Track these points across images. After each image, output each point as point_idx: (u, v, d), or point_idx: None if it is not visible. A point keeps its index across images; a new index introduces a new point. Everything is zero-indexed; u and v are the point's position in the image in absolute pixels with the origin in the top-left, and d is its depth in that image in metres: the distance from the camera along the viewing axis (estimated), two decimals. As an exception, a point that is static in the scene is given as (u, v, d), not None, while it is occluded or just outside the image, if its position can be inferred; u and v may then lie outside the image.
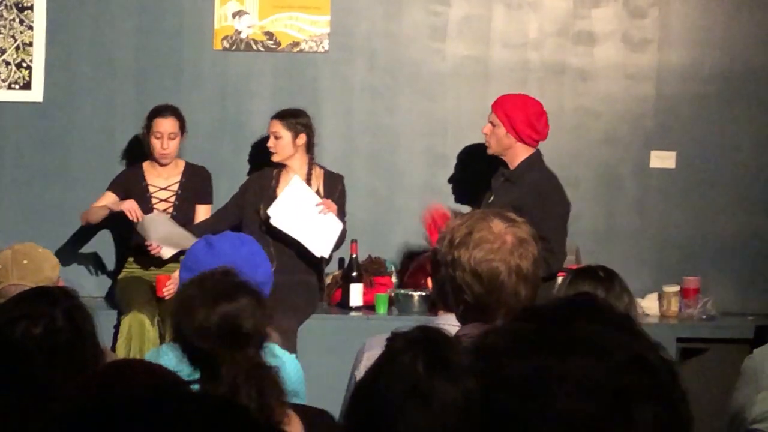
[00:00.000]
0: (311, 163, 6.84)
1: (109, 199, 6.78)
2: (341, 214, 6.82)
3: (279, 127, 6.75)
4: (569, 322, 1.32)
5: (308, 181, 6.81)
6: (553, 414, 1.26)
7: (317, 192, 6.80)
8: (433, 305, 5.88)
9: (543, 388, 1.27)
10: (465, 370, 2.22)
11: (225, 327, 2.95)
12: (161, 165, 6.79)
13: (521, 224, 2.83)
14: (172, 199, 6.81)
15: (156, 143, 6.71)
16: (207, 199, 6.89)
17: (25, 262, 3.83)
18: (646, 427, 1.26)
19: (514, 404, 1.28)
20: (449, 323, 2.88)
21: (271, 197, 6.75)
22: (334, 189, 6.84)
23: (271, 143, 6.75)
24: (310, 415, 3.05)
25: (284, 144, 6.74)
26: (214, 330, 2.95)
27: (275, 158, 6.77)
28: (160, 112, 6.73)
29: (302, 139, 6.77)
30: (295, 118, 6.77)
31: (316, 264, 6.80)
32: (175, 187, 6.82)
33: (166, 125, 6.71)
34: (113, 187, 6.83)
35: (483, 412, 1.30)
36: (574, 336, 1.30)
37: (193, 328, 2.96)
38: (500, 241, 2.77)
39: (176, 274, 6.26)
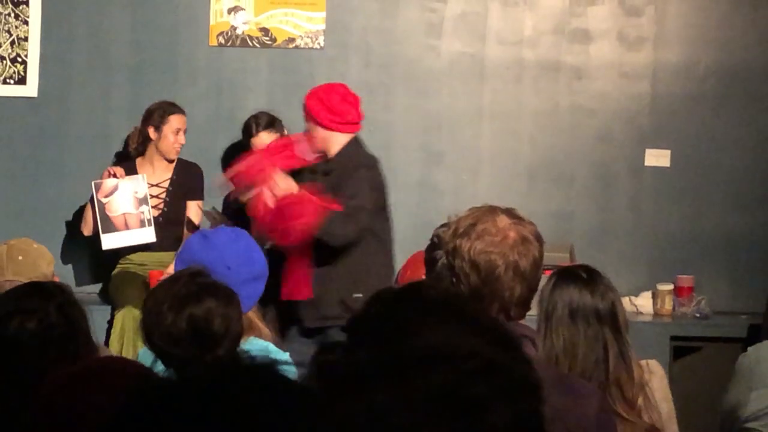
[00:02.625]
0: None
1: None
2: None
3: (270, 136, 6.68)
4: (401, 334, 1.24)
5: None
6: None
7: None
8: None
9: (386, 419, 1.19)
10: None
11: (193, 331, 2.95)
12: (170, 161, 6.81)
13: (527, 223, 2.84)
14: (163, 195, 6.81)
15: (173, 138, 6.74)
16: (197, 196, 6.88)
17: (20, 258, 3.83)
18: (508, 430, 1.21)
19: None
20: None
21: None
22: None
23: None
24: None
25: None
26: (183, 335, 2.95)
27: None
28: (173, 108, 6.76)
29: (285, 133, 6.75)
30: (273, 120, 6.73)
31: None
32: (166, 184, 6.83)
33: (181, 121, 6.78)
34: None
35: None
36: (408, 352, 1.22)
37: (162, 334, 2.96)
38: (502, 236, 2.78)
39: (170, 269, 6.26)
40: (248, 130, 6.75)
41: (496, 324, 1.32)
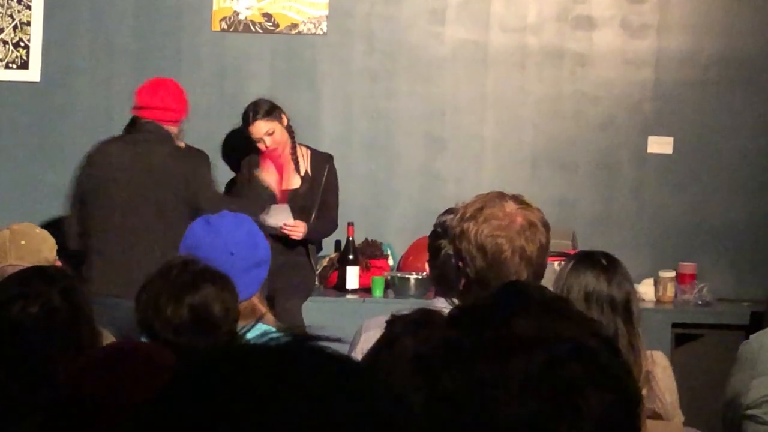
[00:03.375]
0: (295, 145, 6.79)
1: None
2: (332, 195, 6.79)
3: (267, 125, 6.68)
4: (502, 321, 1.29)
5: (296, 162, 6.77)
6: (495, 422, 1.23)
7: (305, 173, 6.76)
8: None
9: (480, 398, 1.24)
10: None
11: (195, 318, 2.96)
12: None
13: (534, 209, 2.84)
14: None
15: None
16: None
17: (23, 242, 3.82)
18: (596, 416, 1.23)
19: (454, 417, 1.24)
20: (446, 306, 2.89)
21: None
22: (321, 169, 6.79)
23: (269, 143, 6.66)
24: None
25: (279, 136, 6.69)
26: (185, 323, 2.95)
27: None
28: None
29: (285, 120, 6.73)
30: (272, 109, 6.71)
31: (304, 241, 6.72)
32: None
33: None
34: None
35: (426, 425, 1.25)
36: (507, 336, 1.27)
37: (164, 325, 2.96)
38: (509, 220, 2.79)
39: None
40: (246, 117, 6.72)
41: (592, 320, 1.35)
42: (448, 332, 1.31)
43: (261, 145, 6.67)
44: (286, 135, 6.72)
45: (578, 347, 1.26)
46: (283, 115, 6.72)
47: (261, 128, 6.64)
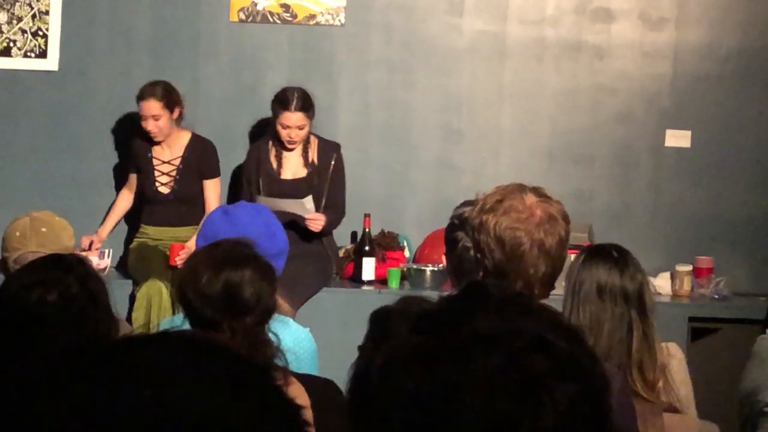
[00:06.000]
0: (308, 137, 6.78)
1: (131, 180, 6.95)
2: (339, 185, 6.79)
3: (302, 119, 6.66)
4: (462, 321, 1.29)
5: (305, 152, 6.76)
6: (462, 423, 1.23)
7: (312, 162, 6.75)
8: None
9: (444, 400, 1.24)
10: None
11: (227, 294, 2.98)
12: (158, 142, 6.81)
13: (554, 202, 2.83)
14: (174, 173, 6.81)
15: (143, 125, 6.72)
16: (213, 174, 6.86)
17: (43, 230, 3.83)
18: (561, 407, 1.24)
19: (419, 421, 1.24)
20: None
21: (272, 176, 6.71)
22: (328, 158, 6.78)
23: (294, 136, 6.66)
24: (315, 384, 3.06)
25: (304, 132, 6.69)
26: (216, 296, 2.98)
27: (294, 147, 6.72)
28: (141, 95, 6.70)
29: (313, 114, 6.74)
30: (309, 104, 6.68)
31: (318, 233, 6.72)
32: (177, 162, 6.82)
33: (148, 107, 6.69)
34: (131, 167, 6.94)
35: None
36: (468, 335, 1.27)
37: (197, 293, 3.00)
38: (528, 213, 2.78)
39: (190, 243, 6.28)
40: (285, 102, 6.68)
41: (557, 315, 1.36)
42: (411, 336, 1.31)
43: (285, 132, 6.65)
44: (308, 132, 6.72)
45: (539, 340, 1.26)
46: (313, 114, 6.72)
47: (296, 120, 6.63)
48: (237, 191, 6.97)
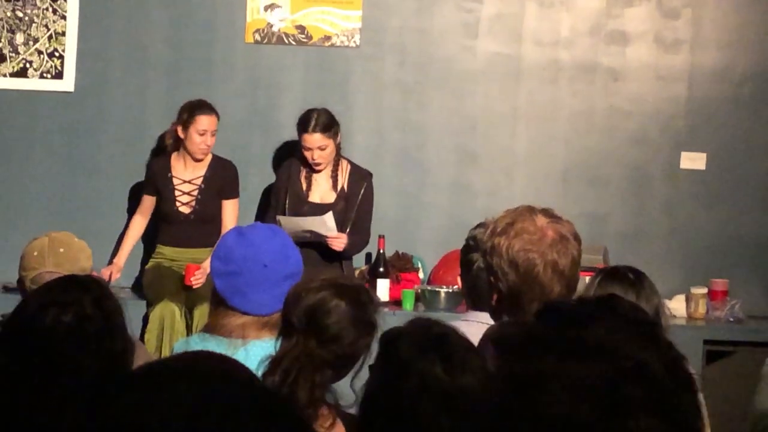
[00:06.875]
0: (337, 162, 6.80)
1: (146, 204, 6.91)
2: (366, 214, 6.80)
3: (323, 140, 6.69)
4: (585, 325, 1.32)
5: (334, 175, 6.78)
6: (546, 417, 1.26)
7: (341, 188, 6.76)
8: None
9: (541, 390, 1.27)
10: (475, 355, 2.25)
11: (311, 321, 2.96)
12: (197, 160, 6.80)
13: (565, 222, 2.83)
14: (195, 192, 6.82)
15: (199, 139, 6.72)
16: (232, 194, 6.87)
17: (61, 250, 3.83)
18: None
19: (514, 403, 1.29)
20: (479, 320, 2.89)
21: (299, 197, 6.73)
22: (358, 186, 6.79)
23: (317, 157, 6.68)
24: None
25: (328, 154, 6.71)
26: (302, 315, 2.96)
27: (321, 168, 6.73)
28: (202, 108, 6.72)
29: (338, 138, 6.77)
30: (331, 124, 6.71)
31: (338, 256, 6.73)
32: (199, 181, 6.83)
33: (210, 122, 6.73)
34: (146, 188, 6.91)
35: (491, 402, 1.32)
36: (583, 339, 1.30)
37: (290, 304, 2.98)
38: (540, 234, 2.78)
39: (206, 264, 6.28)
40: (305, 124, 6.69)
41: (676, 354, 1.38)
42: (533, 323, 1.36)
43: (308, 154, 6.67)
44: (334, 153, 6.73)
45: (644, 368, 1.28)
46: (338, 134, 6.73)
47: (316, 141, 6.64)
48: (248, 212, 7.00)
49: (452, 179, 7.24)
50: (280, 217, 6.61)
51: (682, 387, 1.31)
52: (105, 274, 6.67)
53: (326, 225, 6.57)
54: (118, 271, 6.84)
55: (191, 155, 6.78)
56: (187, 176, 6.82)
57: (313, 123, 6.64)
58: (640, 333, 1.34)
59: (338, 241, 6.60)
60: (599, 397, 1.25)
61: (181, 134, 6.75)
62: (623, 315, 1.36)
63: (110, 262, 6.93)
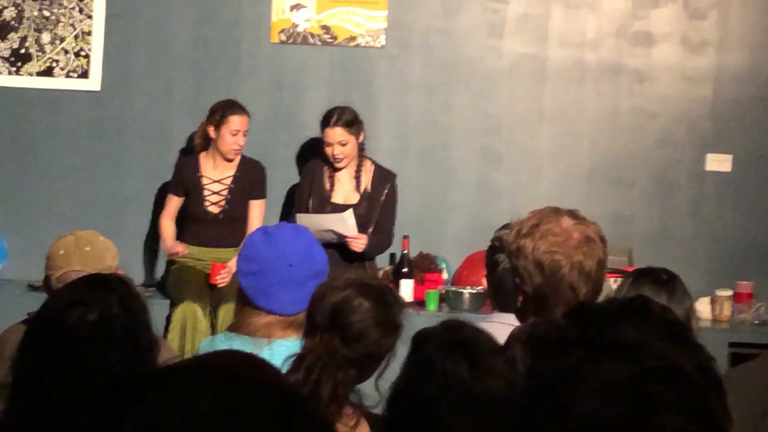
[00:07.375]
0: (361, 157, 6.81)
1: (173, 204, 6.87)
2: (389, 215, 6.79)
3: (344, 135, 6.71)
4: (616, 324, 1.32)
5: (358, 176, 6.78)
6: (574, 415, 1.27)
7: (365, 189, 6.76)
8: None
9: (570, 388, 1.28)
10: (501, 358, 2.25)
11: (335, 321, 2.95)
12: (228, 160, 6.80)
13: (590, 224, 2.83)
14: (224, 192, 6.82)
15: (231, 139, 6.72)
16: (260, 194, 6.88)
17: (87, 249, 3.83)
18: None
19: (543, 399, 1.30)
20: (504, 321, 2.88)
21: (323, 197, 6.73)
22: (381, 187, 6.79)
23: (338, 152, 6.69)
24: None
25: (349, 150, 6.71)
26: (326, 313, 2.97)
27: (341, 165, 6.73)
28: (235, 108, 6.73)
29: (361, 137, 6.77)
30: (354, 121, 6.72)
31: (361, 257, 6.73)
32: (228, 181, 6.83)
33: (242, 122, 6.74)
34: (173, 189, 6.88)
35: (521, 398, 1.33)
36: (614, 339, 1.31)
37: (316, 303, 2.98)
38: (566, 236, 2.77)
39: (231, 263, 6.29)
40: (327, 119, 6.69)
41: (707, 356, 1.38)
42: (564, 322, 1.36)
43: (329, 150, 6.68)
44: (356, 151, 6.73)
45: (675, 369, 1.28)
46: (361, 132, 6.73)
47: (337, 135, 6.66)
48: (273, 211, 7.01)
49: (477, 179, 7.24)
50: (299, 215, 6.61)
51: (712, 388, 1.31)
52: (177, 248, 6.65)
53: (346, 223, 6.57)
54: (184, 247, 6.76)
55: (223, 155, 6.78)
56: (216, 176, 6.82)
57: (335, 118, 6.66)
58: (671, 334, 1.34)
59: (358, 242, 6.60)
60: (630, 396, 1.26)
61: (212, 134, 6.75)
62: (653, 316, 1.36)
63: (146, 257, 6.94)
